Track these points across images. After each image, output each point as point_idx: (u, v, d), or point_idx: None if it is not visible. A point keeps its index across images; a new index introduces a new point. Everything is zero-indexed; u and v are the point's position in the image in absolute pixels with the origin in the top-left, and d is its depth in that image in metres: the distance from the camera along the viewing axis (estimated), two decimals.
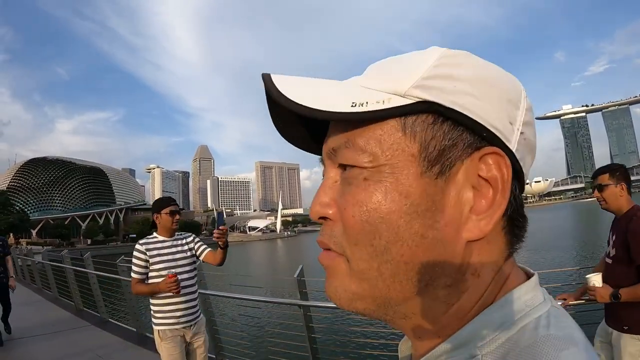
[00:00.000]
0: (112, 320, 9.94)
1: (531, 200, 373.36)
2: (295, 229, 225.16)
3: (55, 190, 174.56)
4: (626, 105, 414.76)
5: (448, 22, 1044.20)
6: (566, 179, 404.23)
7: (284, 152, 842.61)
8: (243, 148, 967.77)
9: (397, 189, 0.49)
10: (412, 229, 0.49)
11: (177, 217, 4.44)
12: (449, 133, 0.50)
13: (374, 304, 0.53)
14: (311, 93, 0.51)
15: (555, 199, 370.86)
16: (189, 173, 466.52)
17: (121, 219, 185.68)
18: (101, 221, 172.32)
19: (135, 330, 8.46)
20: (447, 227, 0.50)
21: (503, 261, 0.54)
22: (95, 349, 7.58)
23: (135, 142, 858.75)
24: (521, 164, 0.52)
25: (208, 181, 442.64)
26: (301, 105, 0.49)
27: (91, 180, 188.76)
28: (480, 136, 0.50)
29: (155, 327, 4.28)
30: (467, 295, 0.51)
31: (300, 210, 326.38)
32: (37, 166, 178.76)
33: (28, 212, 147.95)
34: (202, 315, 4.61)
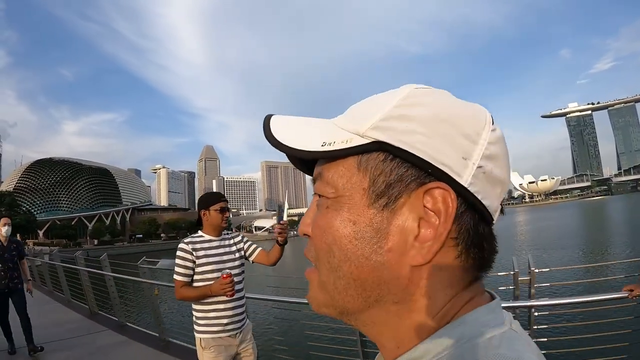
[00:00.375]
0: (130, 324, 9.55)
1: (537, 199, 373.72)
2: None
3: (62, 190, 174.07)
4: (632, 103, 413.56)
5: (454, 21, 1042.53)
6: (572, 177, 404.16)
7: None
8: (248, 148, 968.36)
9: (348, 217, 0.57)
10: (357, 252, 0.57)
11: (228, 214, 4.05)
12: (396, 169, 0.55)
13: (335, 311, 0.62)
14: (293, 134, 0.61)
15: (562, 198, 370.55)
16: (194, 173, 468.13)
17: (127, 219, 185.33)
18: (107, 221, 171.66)
19: (157, 335, 8.04)
20: (389, 252, 0.56)
21: (462, 286, 0.58)
22: (114, 356, 7.36)
23: (141, 142, 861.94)
24: (479, 196, 0.55)
25: (214, 181, 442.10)
26: (283, 144, 0.61)
27: (97, 180, 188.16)
28: (426, 172, 0.54)
29: (198, 335, 3.88)
30: (418, 314, 0.56)
31: (305, 210, 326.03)
32: (43, 167, 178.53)
33: (35, 212, 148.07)
34: (248, 320, 4.19)
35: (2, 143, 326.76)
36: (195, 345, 4.02)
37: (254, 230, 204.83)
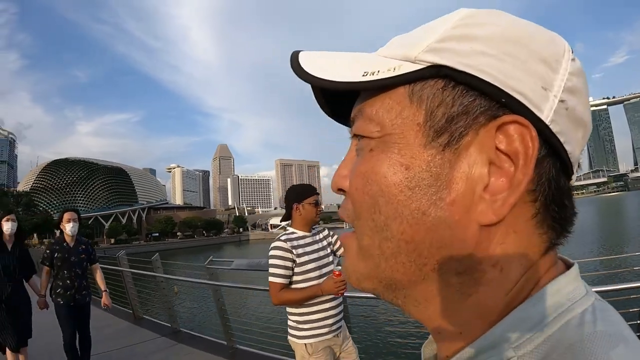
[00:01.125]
0: (186, 330, 8.82)
1: None
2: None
3: (78, 190, 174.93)
4: None
5: None
6: (588, 173, 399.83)
7: (303, 149, 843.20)
8: (262, 146, 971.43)
9: (399, 160, 0.45)
10: (412, 205, 0.44)
11: (320, 208, 3.71)
12: (460, 99, 0.43)
13: (380, 285, 0.49)
14: (325, 64, 0.49)
15: (578, 194, 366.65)
16: (209, 172, 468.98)
17: (143, 218, 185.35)
18: (124, 221, 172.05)
19: (225, 343, 7.32)
20: (453, 205, 0.43)
21: (538, 255, 0.45)
22: None
23: (155, 142, 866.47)
24: (561, 139, 0.43)
25: (228, 179, 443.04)
26: (315, 77, 0.48)
27: (113, 180, 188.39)
28: (500, 102, 0.42)
29: (301, 342, 3.49)
30: (487, 288, 0.44)
31: (321, 207, 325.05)
32: (59, 167, 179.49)
33: (51, 212, 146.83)
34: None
35: (18, 145, 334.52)
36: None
37: (269, 228, 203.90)
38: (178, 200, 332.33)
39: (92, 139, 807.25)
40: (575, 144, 0.44)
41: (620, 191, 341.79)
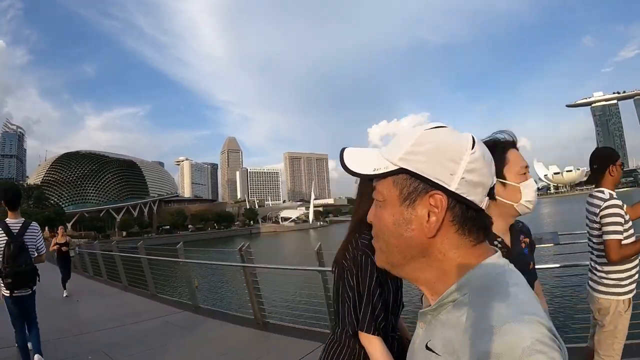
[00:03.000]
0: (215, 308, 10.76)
1: (563, 190, 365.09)
2: (327, 219, 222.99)
3: (89, 183, 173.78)
4: None
5: (476, 10, 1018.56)
6: None
7: (312, 142, 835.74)
8: (270, 139, 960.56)
9: (390, 211, 0.99)
10: (396, 231, 0.98)
11: None
12: (413, 184, 0.96)
13: (390, 265, 1.04)
14: (357, 163, 1.04)
15: (588, 189, 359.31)
16: (217, 165, 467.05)
17: (155, 211, 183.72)
18: (135, 213, 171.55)
19: (253, 318, 8.58)
20: (413, 231, 0.96)
21: (469, 246, 0.97)
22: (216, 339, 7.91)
23: (163, 136, 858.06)
24: (464, 196, 0.93)
25: (237, 172, 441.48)
26: (351, 170, 1.03)
27: (124, 173, 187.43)
28: (429, 184, 0.94)
29: (621, 297, 3.74)
30: (442, 262, 0.97)
31: (330, 201, 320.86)
32: (70, 160, 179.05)
33: (63, 205, 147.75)
34: None
35: (27, 139, 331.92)
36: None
37: (280, 221, 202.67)
38: (187, 193, 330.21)
39: (100, 133, 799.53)
40: (477, 194, 0.95)
41: (630, 187, 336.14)
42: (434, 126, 1.01)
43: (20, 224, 6.16)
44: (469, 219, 0.97)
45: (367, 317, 2.07)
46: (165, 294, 12.33)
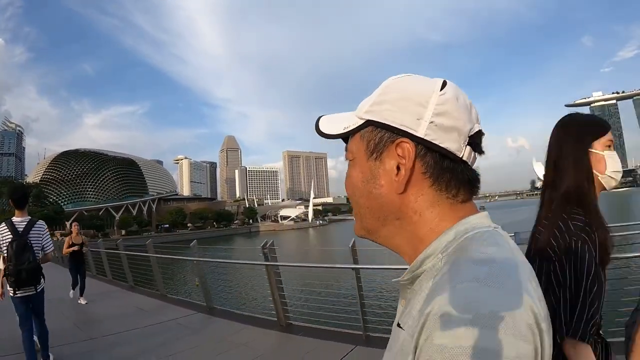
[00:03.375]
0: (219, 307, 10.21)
1: None
2: (326, 218, 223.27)
3: (88, 181, 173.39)
4: None
5: (475, 8, 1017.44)
6: None
7: (311, 141, 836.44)
8: (268, 138, 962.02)
9: (359, 169, 0.93)
10: (365, 189, 0.91)
11: None
12: (379, 135, 0.89)
13: (366, 232, 0.96)
14: (330, 124, 1.00)
15: None
16: (216, 163, 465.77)
17: (154, 210, 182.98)
18: (134, 212, 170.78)
19: (275, 320, 8.26)
20: (382, 187, 0.89)
21: (447, 205, 0.87)
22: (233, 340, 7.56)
23: (162, 134, 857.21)
24: (436, 142, 0.84)
25: (236, 171, 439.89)
26: (323, 132, 0.99)
27: (124, 171, 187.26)
28: (395, 133, 0.87)
29: None
30: (417, 225, 0.88)
31: (329, 199, 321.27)
32: (69, 158, 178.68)
33: (62, 204, 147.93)
34: None
35: (26, 137, 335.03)
36: None
37: (279, 219, 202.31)
38: (186, 192, 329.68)
39: (98, 131, 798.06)
40: (452, 141, 0.85)
41: (629, 186, 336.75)
42: (403, 75, 0.95)
43: (26, 222, 6.14)
44: (445, 169, 0.87)
45: (582, 320, 1.67)
46: (175, 294, 12.21)
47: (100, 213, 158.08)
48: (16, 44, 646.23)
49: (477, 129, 0.88)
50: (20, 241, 5.99)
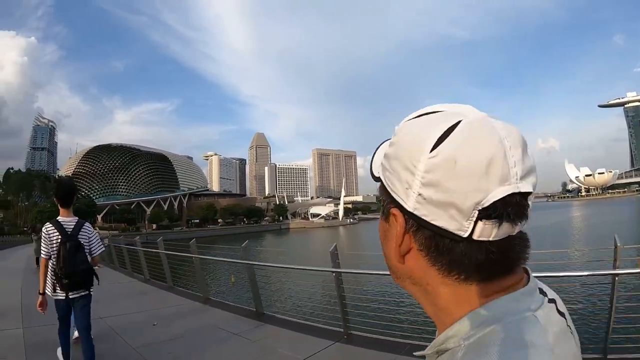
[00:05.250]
0: (269, 313, 9.58)
1: (594, 193, 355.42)
2: (356, 216, 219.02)
3: (120, 176, 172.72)
4: None
5: (501, 7, 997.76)
6: (630, 171, 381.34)
7: (339, 138, 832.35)
8: (297, 135, 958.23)
9: (380, 221, 0.82)
10: (382, 244, 0.81)
11: None
12: (385, 195, 0.77)
13: (396, 280, 0.82)
14: (377, 159, 0.82)
15: (619, 192, 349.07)
16: (245, 160, 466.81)
17: (185, 205, 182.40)
18: (165, 206, 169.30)
19: (342, 330, 7.61)
20: (390, 250, 0.76)
21: (456, 285, 0.70)
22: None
23: (191, 130, 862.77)
24: (427, 219, 0.68)
25: (266, 168, 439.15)
26: (370, 169, 0.84)
27: (155, 166, 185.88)
28: (392, 199, 0.74)
29: None
30: (435, 296, 0.73)
31: (359, 198, 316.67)
32: (101, 153, 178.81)
33: (93, 197, 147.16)
34: None
35: (58, 132, 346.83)
36: None
37: (309, 217, 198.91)
38: (215, 188, 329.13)
39: (128, 127, 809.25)
40: (448, 219, 0.66)
41: None
42: (422, 113, 0.76)
43: (74, 223, 5.80)
44: (443, 252, 0.70)
45: None
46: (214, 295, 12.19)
47: (131, 207, 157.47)
48: (47, 42, 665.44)
49: (501, 195, 0.64)
50: (73, 242, 5.63)
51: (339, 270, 7.41)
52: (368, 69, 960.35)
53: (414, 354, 0.85)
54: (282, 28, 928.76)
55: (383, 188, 0.77)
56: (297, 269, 9.92)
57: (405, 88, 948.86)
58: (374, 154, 0.84)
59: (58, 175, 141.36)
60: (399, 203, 0.71)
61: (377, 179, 0.80)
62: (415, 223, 0.70)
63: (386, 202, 0.76)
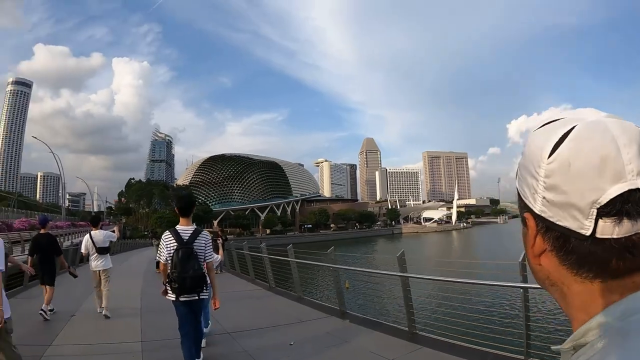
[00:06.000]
0: (379, 320, 9.87)
1: None
2: (469, 220, 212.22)
3: (235, 184, 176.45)
4: None
5: None
6: None
7: (448, 140, 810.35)
8: (405, 139, 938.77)
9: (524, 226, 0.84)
10: (524, 246, 0.83)
11: None
12: (521, 202, 0.82)
13: (542, 284, 0.85)
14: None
15: None
16: (355, 165, 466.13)
17: (297, 210, 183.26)
18: (279, 212, 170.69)
19: (407, 329, 8.12)
20: (528, 252, 0.81)
21: (588, 283, 0.73)
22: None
23: (301, 138, 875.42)
24: (553, 220, 0.73)
25: (376, 172, 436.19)
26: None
27: (268, 173, 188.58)
28: (523, 203, 0.81)
29: None
30: (569, 297, 0.77)
31: (472, 201, 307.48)
32: (216, 163, 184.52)
33: (210, 204, 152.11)
34: None
35: (174, 145, 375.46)
36: None
37: (422, 221, 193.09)
38: (327, 194, 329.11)
39: (240, 138, 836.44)
40: (571, 219, 0.70)
41: None
42: (546, 122, 0.80)
43: (191, 231, 6.25)
44: (571, 252, 0.73)
45: None
46: (311, 296, 13.73)
47: (246, 213, 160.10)
48: (159, 65, 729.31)
49: (615, 193, 0.66)
50: (186, 249, 6.06)
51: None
52: (473, 68, 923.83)
53: (552, 347, 0.85)
54: (384, 31, 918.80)
55: (518, 195, 0.82)
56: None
57: (514, 84, 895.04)
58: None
59: (176, 184, 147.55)
60: (529, 207, 0.77)
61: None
62: (544, 225, 0.75)
63: (521, 207, 0.82)
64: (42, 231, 11.16)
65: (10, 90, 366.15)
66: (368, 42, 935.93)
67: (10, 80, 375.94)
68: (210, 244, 6.53)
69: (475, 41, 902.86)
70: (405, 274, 7.91)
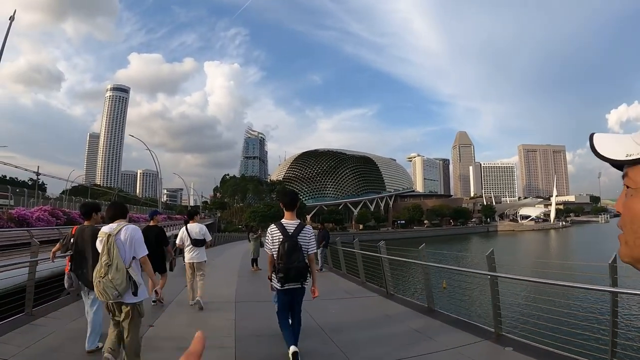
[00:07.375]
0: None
1: None
2: (568, 218, 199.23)
3: (328, 179, 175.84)
4: None
5: None
6: None
7: (544, 132, 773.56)
8: (499, 132, 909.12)
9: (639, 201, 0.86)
10: (632, 230, 0.87)
11: None
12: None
13: (634, 261, 0.93)
14: (608, 147, 0.94)
15: None
16: (448, 160, 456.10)
17: (390, 206, 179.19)
18: (372, 207, 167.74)
19: (493, 330, 7.96)
20: None
21: None
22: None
23: (392, 133, 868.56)
24: None
25: (470, 167, 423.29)
26: (602, 155, 0.93)
27: (361, 168, 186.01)
28: None
29: None
30: None
31: (571, 198, 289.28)
32: (309, 158, 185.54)
33: (303, 199, 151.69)
34: None
35: (267, 143, 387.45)
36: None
37: (518, 219, 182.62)
38: (419, 189, 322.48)
39: (331, 133, 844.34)
40: None
41: None
42: None
43: (296, 225, 6.50)
44: None
45: None
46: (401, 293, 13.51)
47: (339, 208, 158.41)
48: (249, 66, 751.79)
49: None
50: (291, 242, 6.34)
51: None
52: (569, 50, 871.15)
53: None
54: (473, 20, 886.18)
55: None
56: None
57: (611, 72, 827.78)
58: (592, 138, 0.97)
59: (269, 180, 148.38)
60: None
61: (620, 162, 0.93)
62: None
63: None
64: (151, 223, 11.71)
65: (110, 96, 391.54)
66: (456, 31, 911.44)
67: (109, 87, 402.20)
68: (314, 237, 6.77)
69: (570, 25, 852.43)
70: (493, 273, 7.98)
